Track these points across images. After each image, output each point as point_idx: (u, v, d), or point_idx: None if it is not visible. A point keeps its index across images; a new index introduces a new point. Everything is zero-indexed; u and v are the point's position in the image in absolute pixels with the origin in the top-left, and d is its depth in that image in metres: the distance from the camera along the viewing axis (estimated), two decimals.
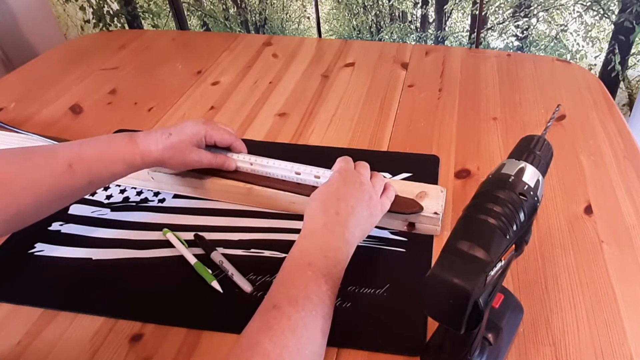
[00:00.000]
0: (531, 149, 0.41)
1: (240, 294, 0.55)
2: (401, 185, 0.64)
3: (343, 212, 0.52)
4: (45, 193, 0.51)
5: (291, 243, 0.60)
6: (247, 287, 0.55)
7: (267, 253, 0.60)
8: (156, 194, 0.69)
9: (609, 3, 0.94)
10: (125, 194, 0.69)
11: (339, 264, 0.49)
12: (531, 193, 0.38)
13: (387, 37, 1.10)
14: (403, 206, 0.60)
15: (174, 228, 0.63)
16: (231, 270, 0.57)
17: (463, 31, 1.05)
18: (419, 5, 1.04)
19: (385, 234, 0.62)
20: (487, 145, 0.76)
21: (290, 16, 1.13)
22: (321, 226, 0.51)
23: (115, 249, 0.61)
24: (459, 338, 0.43)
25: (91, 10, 1.23)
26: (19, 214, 0.50)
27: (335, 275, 0.47)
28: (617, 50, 0.99)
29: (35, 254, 0.61)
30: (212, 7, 1.16)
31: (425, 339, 0.50)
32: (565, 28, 0.99)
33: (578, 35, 0.99)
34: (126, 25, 1.24)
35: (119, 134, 0.59)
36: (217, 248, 0.60)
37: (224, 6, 1.15)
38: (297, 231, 0.62)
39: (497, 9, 1.00)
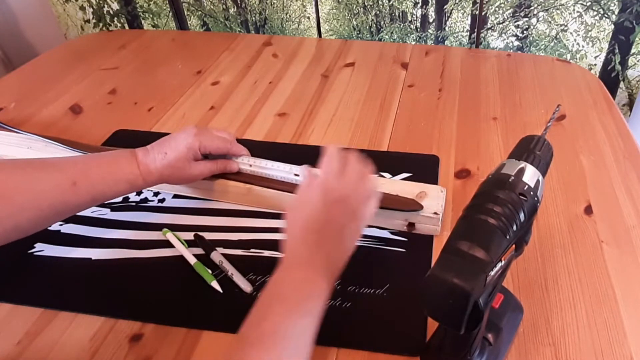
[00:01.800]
0: (531, 149, 0.41)
1: (240, 294, 0.55)
2: (401, 185, 0.64)
3: (325, 240, 0.47)
4: (46, 208, 0.51)
5: None
6: (247, 287, 0.55)
7: (267, 253, 0.60)
8: (156, 194, 0.69)
9: (609, 3, 0.94)
10: None
11: (319, 296, 0.44)
12: (531, 193, 0.38)
13: (387, 37, 1.10)
14: (403, 204, 0.60)
15: (174, 228, 0.63)
16: (231, 270, 0.57)
17: (463, 31, 1.05)
18: (419, 5, 1.04)
19: (385, 234, 0.62)
20: (487, 145, 0.76)
21: (290, 16, 1.13)
22: (302, 260, 0.46)
23: (115, 249, 0.61)
24: (459, 338, 0.43)
25: (91, 10, 1.23)
26: (17, 226, 0.50)
27: (313, 308, 0.43)
28: (617, 50, 0.99)
29: (35, 254, 0.61)
30: (212, 7, 1.16)
31: (425, 339, 0.50)
32: (565, 28, 0.99)
33: (578, 35, 0.99)
34: (126, 25, 1.24)
35: (121, 151, 0.58)
36: (216, 248, 0.60)
37: (224, 6, 1.15)
38: None
39: (497, 9, 1.00)
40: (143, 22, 1.22)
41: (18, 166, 0.52)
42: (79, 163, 0.55)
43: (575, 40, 1.00)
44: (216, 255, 0.59)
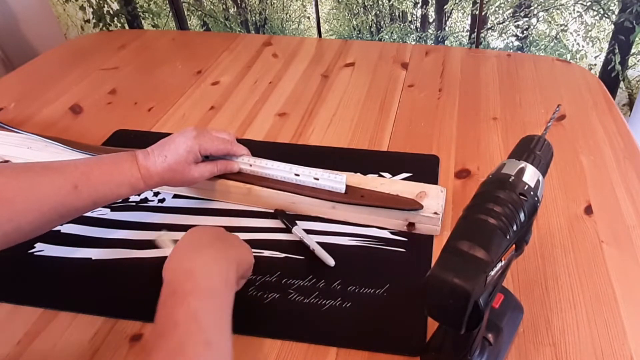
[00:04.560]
0: (531, 149, 0.41)
1: (238, 294, 0.55)
2: (401, 185, 0.64)
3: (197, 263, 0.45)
4: (48, 212, 0.51)
5: (291, 243, 0.61)
6: (330, 261, 0.57)
7: (267, 253, 0.60)
8: (156, 194, 0.69)
9: (609, 3, 0.94)
10: None
11: (211, 277, 0.44)
12: (531, 193, 0.38)
13: (387, 37, 1.10)
14: (403, 203, 0.60)
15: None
16: (312, 245, 0.59)
17: (463, 31, 1.05)
18: (419, 5, 1.04)
19: (385, 234, 0.62)
20: (487, 145, 0.76)
21: (290, 16, 1.13)
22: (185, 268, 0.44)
23: (115, 249, 0.61)
24: (459, 338, 0.43)
25: (91, 10, 1.23)
26: (19, 229, 0.50)
27: (207, 288, 0.42)
28: (617, 50, 0.99)
29: (35, 253, 0.61)
30: (212, 7, 1.16)
31: (425, 339, 0.50)
32: (565, 28, 0.99)
33: (578, 35, 0.99)
34: (126, 25, 1.24)
35: (122, 154, 0.58)
36: (297, 222, 0.62)
37: (224, 6, 1.15)
38: None
39: (497, 9, 1.00)
40: (143, 22, 1.22)
41: (19, 170, 0.52)
42: (80, 166, 0.55)
43: (575, 40, 1.00)
44: (297, 230, 0.61)
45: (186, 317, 0.40)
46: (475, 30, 1.04)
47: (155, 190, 0.70)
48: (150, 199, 0.69)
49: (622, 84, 1.03)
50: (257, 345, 0.51)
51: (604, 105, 0.84)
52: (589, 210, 0.64)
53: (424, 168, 0.71)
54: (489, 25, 1.03)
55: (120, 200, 0.68)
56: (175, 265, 0.45)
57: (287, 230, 0.62)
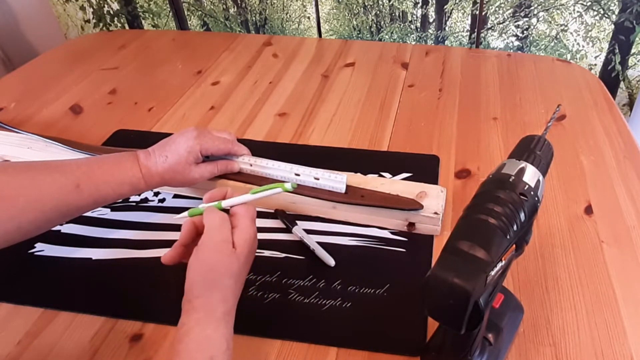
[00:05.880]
0: (531, 149, 0.41)
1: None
2: (401, 185, 0.64)
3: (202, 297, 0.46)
4: (49, 210, 0.51)
5: (291, 243, 0.61)
6: (330, 261, 0.57)
7: (267, 253, 0.60)
8: (156, 193, 0.69)
9: (609, 3, 0.94)
10: None
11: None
12: (532, 193, 0.38)
13: (387, 37, 1.10)
14: (403, 203, 0.60)
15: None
16: (312, 245, 0.59)
17: (463, 31, 1.05)
18: (419, 5, 1.04)
19: (385, 234, 0.62)
20: (487, 145, 0.76)
21: (290, 16, 1.13)
22: (194, 323, 0.45)
23: (115, 249, 0.61)
24: (459, 338, 0.43)
25: (91, 10, 1.23)
26: (20, 228, 0.50)
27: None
28: (617, 50, 0.99)
29: (35, 254, 0.61)
30: (212, 7, 1.16)
31: (425, 339, 0.50)
32: (566, 28, 0.99)
33: (578, 35, 0.99)
34: (126, 25, 1.24)
35: (124, 153, 0.58)
36: (297, 222, 0.63)
37: (224, 6, 1.15)
38: None
39: (497, 9, 1.00)
40: (143, 22, 1.22)
41: (21, 168, 0.52)
42: (82, 165, 0.55)
43: (575, 40, 1.00)
44: (297, 230, 0.61)
45: None
46: (476, 30, 1.04)
47: (156, 190, 0.70)
48: (150, 199, 0.69)
49: (622, 84, 1.03)
50: (257, 345, 0.51)
51: (604, 105, 0.84)
52: (589, 210, 0.64)
53: (424, 168, 0.71)
54: (489, 25, 1.03)
55: (121, 200, 0.68)
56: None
57: (288, 230, 0.62)
